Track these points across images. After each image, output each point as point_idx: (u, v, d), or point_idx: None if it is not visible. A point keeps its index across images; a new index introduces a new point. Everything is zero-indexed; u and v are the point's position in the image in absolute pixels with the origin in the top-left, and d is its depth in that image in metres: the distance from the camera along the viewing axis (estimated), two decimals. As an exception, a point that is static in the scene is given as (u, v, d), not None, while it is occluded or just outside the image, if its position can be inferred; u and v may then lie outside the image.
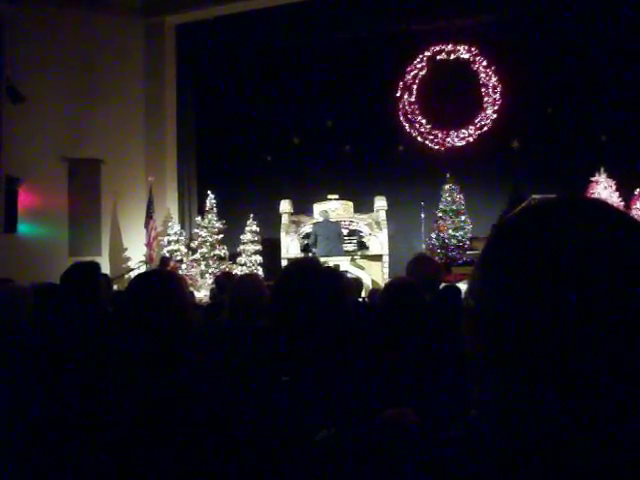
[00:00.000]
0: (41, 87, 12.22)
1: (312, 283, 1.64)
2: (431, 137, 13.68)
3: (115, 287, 9.14)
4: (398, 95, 13.86)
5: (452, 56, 13.68)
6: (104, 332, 2.79)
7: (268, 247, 12.93)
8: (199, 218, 13.13)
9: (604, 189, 11.60)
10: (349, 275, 8.88)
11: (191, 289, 10.65)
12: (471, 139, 13.46)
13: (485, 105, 13.45)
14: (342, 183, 12.78)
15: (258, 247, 12.84)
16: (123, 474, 1.61)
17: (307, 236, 11.52)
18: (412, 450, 0.77)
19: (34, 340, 2.75)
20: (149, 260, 12.48)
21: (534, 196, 8.91)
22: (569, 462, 0.59)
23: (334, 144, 13.76)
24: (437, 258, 11.11)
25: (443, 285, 3.99)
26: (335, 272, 1.83)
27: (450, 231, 12.10)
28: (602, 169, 11.76)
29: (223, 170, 14.11)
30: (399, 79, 13.85)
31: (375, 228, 11.83)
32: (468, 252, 11.90)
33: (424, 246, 12.14)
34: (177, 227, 12.99)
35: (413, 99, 13.81)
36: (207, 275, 12.26)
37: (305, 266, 1.79)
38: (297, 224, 12.27)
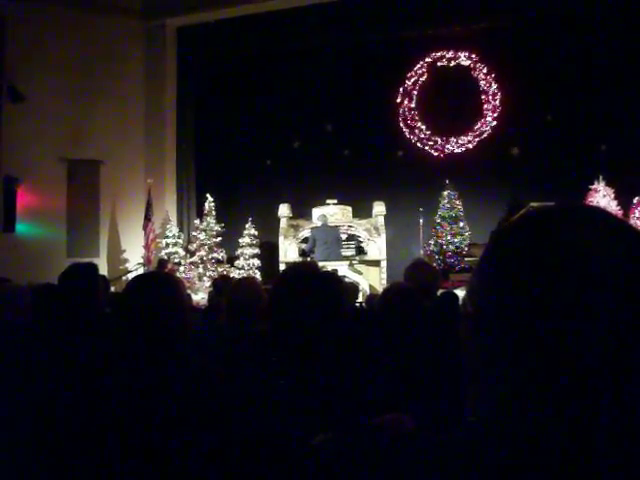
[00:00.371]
0: (41, 87, 12.23)
1: (310, 287, 1.64)
2: (430, 143, 13.69)
3: (112, 289, 9.13)
4: (398, 101, 13.87)
5: (452, 63, 13.70)
6: (101, 334, 2.79)
7: (266, 251, 12.93)
8: (198, 221, 13.12)
9: (603, 197, 11.61)
10: (346, 280, 8.87)
11: (189, 292, 10.65)
12: (470, 146, 13.47)
13: (485, 112, 13.46)
14: (341, 188, 12.77)
15: (256, 251, 12.83)
16: (121, 475, 1.61)
17: (305, 240, 11.52)
18: (408, 455, 0.77)
19: (31, 340, 2.74)
20: (147, 262, 12.46)
21: (533, 204, 8.91)
22: (567, 466, 0.59)
23: (334, 149, 13.77)
24: (435, 264, 11.12)
25: (441, 291, 3.99)
26: (333, 276, 1.83)
27: (448, 237, 12.09)
28: (601, 177, 11.76)
29: (222, 173, 14.12)
30: (399, 85, 13.86)
31: (374, 233, 11.84)
32: (466, 259, 11.89)
33: (422, 252, 12.14)
34: (175, 229, 12.98)
35: (413, 105, 13.83)
36: (205, 278, 12.24)
37: (303, 270, 1.79)
38: (296, 228, 12.27)
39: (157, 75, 13.62)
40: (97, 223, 13.02)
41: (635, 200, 11.57)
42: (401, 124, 13.83)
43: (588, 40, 12.32)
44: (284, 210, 12.41)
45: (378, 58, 13.46)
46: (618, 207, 11.47)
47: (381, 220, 11.98)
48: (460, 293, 4.37)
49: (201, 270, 12.44)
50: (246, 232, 12.83)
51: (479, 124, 13.47)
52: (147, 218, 12.58)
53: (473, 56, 13.57)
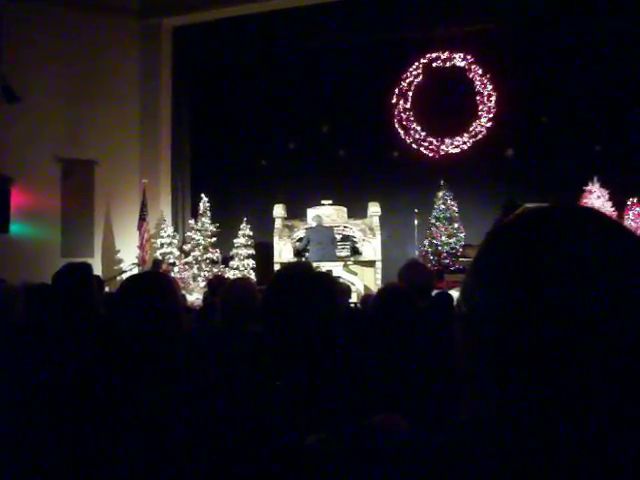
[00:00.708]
0: (36, 87, 12.19)
1: (304, 288, 1.64)
2: (426, 144, 13.71)
3: (107, 289, 9.11)
4: (393, 101, 13.89)
5: (448, 64, 13.73)
6: (95, 334, 2.78)
7: (261, 251, 12.92)
8: (192, 221, 13.11)
9: (597, 198, 11.65)
10: (340, 280, 8.87)
11: (183, 292, 10.63)
12: (465, 147, 13.50)
13: (480, 113, 13.49)
14: (336, 188, 12.77)
15: (251, 251, 12.82)
16: (115, 477, 1.61)
17: (300, 240, 11.51)
18: (402, 455, 0.77)
19: (24, 340, 2.73)
20: (141, 262, 12.44)
21: (527, 205, 8.93)
22: (562, 468, 0.59)
23: (329, 149, 13.77)
24: (430, 265, 11.14)
25: (435, 292, 4.00)
26: (327, 277, 1.83)
27: (443, 238, 12.11)
28: (595, 178, 11.81)
29: (217, 173, 14.11)
30: (394, 85, 13.88)
31: (368, 234, 11.84)
32: (461, 259, 11.91)
33: (417, 252, 12.16)
34: (170, 230, 12.96)
35: (408, 106, 13.85)
36: (199, 278, 12.24)
37: (297, 271, 1.79)
38: (290, 229, 12.26)
39: (153, 75, 13.59)
40: (92, 223, 12.99)
41: (629, 201, 11.62)
42: (396, 125, 13.85)
43: (582, 41, 12.36)
44: (279, 211, 12.40)
45: (373, 59, 13.47)
46: (612, 208, 11.52)
47: (376, 220, 11.99)
48: (455, 294, 4.38)
49: (196, 270, 12.42)
50: (241, 232, 12.82)
51: (474, 125, 13.50)
52: (142, 218, 12.57)
53: (468, 57, 13.61)
